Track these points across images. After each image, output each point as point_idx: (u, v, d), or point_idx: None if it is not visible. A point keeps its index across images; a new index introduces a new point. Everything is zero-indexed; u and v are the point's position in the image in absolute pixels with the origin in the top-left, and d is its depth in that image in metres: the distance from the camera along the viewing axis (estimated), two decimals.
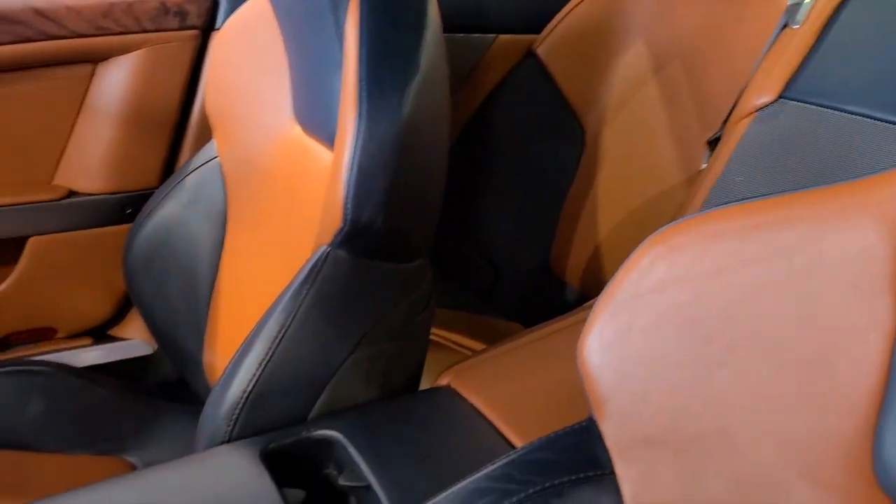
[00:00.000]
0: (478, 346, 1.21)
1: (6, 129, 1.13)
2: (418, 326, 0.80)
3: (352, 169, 0.71)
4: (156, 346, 1.27)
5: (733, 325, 0.45)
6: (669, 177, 1.04)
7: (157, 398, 1.17)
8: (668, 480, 0.45)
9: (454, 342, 1.14)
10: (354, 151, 0.70)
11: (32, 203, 1.15)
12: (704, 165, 0.89)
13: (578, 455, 0.50)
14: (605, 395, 0.49)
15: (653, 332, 0.47)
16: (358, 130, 0.70)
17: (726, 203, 0.48)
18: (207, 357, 1.04)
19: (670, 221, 0.50)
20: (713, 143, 0.89)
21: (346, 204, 0.71)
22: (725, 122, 0.87)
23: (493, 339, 1.13)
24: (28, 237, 1.15)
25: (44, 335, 1.25)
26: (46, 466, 1.03)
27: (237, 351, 0.76)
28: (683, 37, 1.03)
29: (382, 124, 0.71)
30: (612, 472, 0.48)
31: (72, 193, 1.17)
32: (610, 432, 0.48)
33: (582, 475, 0.48)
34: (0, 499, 0.94)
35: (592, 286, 1.11)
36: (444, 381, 0.78)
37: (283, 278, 0.79)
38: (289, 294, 0.74)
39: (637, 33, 1.10)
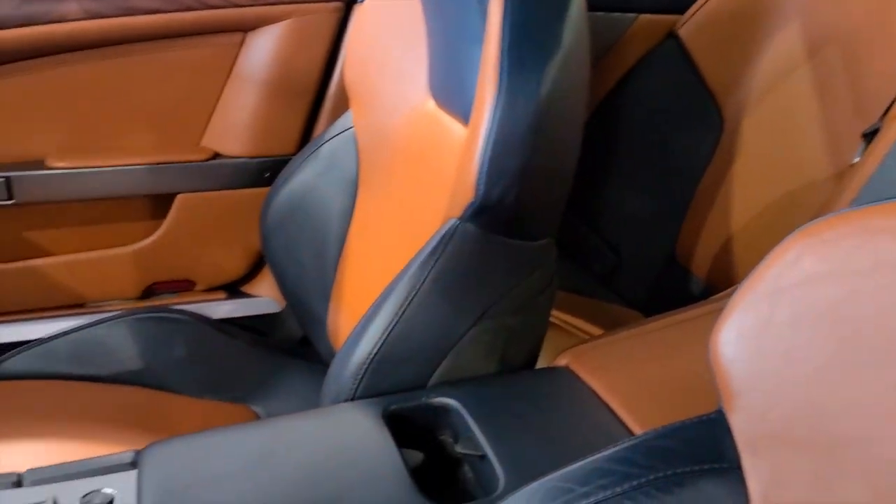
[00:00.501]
0: (595, 330, 1.20)
1: (161, 93, 1.21)
2: (540, 305, 0.80)
3: (487, 144, 0.71)
4: (283, 305, 1.33)
5: (887, 326, 0.42)
6: (815, 170, 0.98)
7: (283, 354, 1.23)
8: (801, 480, 0.44)
9: (571, 325, 1.14)
10: (491, 126, 0.71)
11: (181, 163, 1.23)
12: (857, 159, 0.83)
13: (704, 446, 0.49)
14: (738, 388, 0.47)
15: (794, 327, 0.45)
16: (496, 105, 0.71)
17: (885, 199, 0.45)
18: (332, 319, 1.08)
19: (814, 217, 0.48)
20: (869, 136, 0.83)
21: (478, 178, 0.71)
22: (886, 113, 0.81)
23: (611, 324, 1.12)
24: (176, 194, 1.24)
25: (184, 287, 1.34)
26: (180, 407, 1.11)
27: (364, 315, 0.79)
28: (843, 21, 0.97)
29: (521, 101, 0.71)
30: (739, 467, 0.46)
31: (216, 155, 1.25)
32: (740, 426, 0.47)
33: (707, 467, 0.47)
34: (138, 433, 1.02)
35: (720, 278, 1.07)
36: (562, 362, 0.78)
37: (410, 248, 0.81)
38: (416, 264, 0.76)
39: (791, 15, 1.04)
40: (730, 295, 0.51)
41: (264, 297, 1.35)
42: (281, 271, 1.16)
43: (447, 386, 0.74)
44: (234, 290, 1.36)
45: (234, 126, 1.24)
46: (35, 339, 1.18)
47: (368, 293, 0.85)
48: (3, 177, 1.14)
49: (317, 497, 0.62)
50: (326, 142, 1.11)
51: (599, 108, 1.19)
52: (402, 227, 0.91)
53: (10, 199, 1.16)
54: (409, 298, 0.75)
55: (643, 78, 1.21)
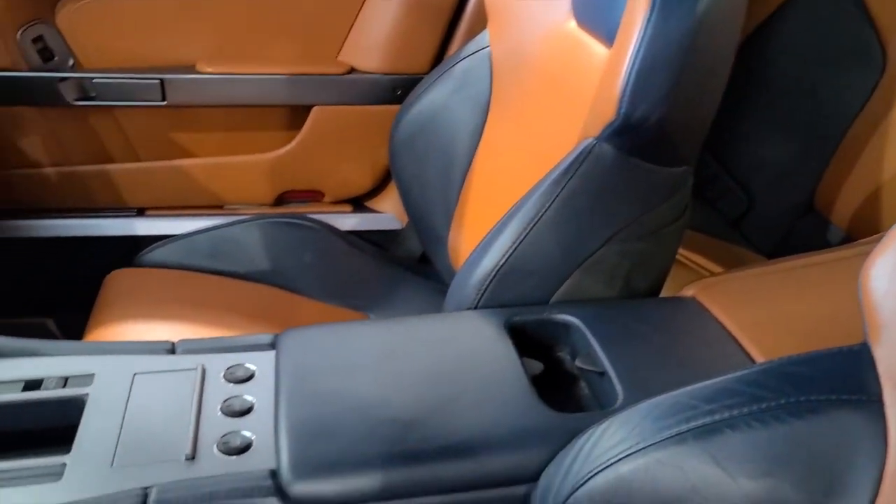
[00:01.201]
0: (720, 272, 1.17)
1: (305, 5, 1.24)
2: (670, 235, 0.79)
3: (634, 63, 0.70)
4: (405, 223, 1.37)
5: None
6: None
7: (402, 269, 1.28)
8: None
9: (696, 264, 1.11)
10: (639, 45, 0.69)
11: (320, 75, 1.27)
12: None
13: (842, 377, 0.47)
14: (885, 321, 0.46)
15: None
16: (647, 24, 0.69)
17: None
18: (453, 237, 1.10)
19: None
20: None
21: (621, 97, 0.70)
22: None
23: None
24: (312, 106, 1.29)
25: (313, 197, 1.40)
26: (304, 308, 1.17)
27: (492, 229, 0.80)
28: None
29: (673, 21, 0.69)
30: (879, 401, 0.45)
31: (352, 70, 1.28)
32: (885, 359, 0.45)
33: (844, 397, 0.46)
34: (267, 325, 1.09)
35: (863, 229, 1.01)
36: (688, 293, 0.77)
37: (540, 168, 0.81)
38: (548, 182, 0.77)
39: None
40: (876, 241, 0.49)
41: (387, 214, 1.40)
42: (406, 188, 1.19)
43: (568, 304, 0.75)
44: (359, 204, 1.41)
45: (371, 42, 1.26)
46: (178, 234, 1.27)
47: (493, 212, 0.87)
48: (157, 79, 1.22)
49: (439, 392, 0.65)
50: (460, 61, 1.11)
51: (748, 41, 1.12)
52: (534, 147, 0.91)
53: (163, 100, 1.23)
54: (539, 215, 0.75)
55: (799, 11, 1.14)
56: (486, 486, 0.59)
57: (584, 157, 0.74)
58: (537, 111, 0.93)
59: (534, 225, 0.75)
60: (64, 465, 0.59)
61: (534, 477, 0.58)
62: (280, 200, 1.39)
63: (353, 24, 1.26)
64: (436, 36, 1.26)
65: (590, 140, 0.75)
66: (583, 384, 0.72)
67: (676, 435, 0.48)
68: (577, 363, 0.71)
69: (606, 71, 0.76)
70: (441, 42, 1.27)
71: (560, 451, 0.57)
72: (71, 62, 1.21)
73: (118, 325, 1.01)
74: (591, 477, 0.50)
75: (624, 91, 0.70)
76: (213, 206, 1.36)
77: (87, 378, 0.68)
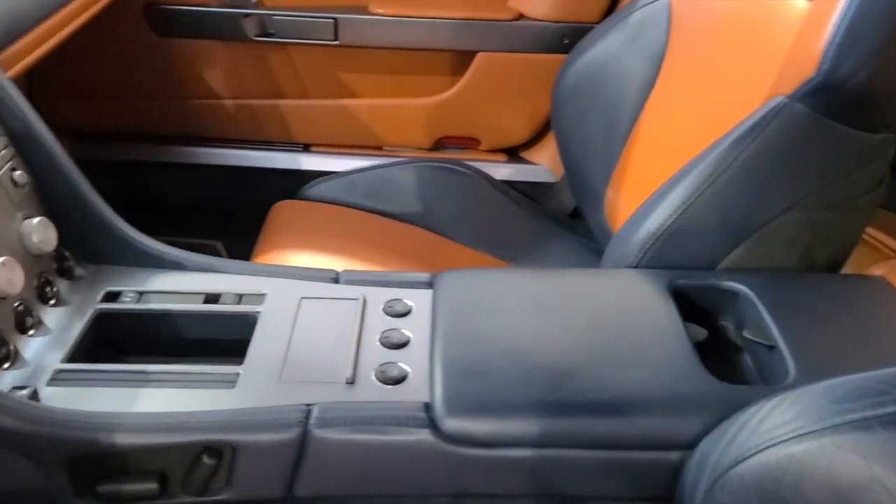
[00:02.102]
0: None
1: None
2: (860, 207, 0.72)
3: (843, 17, 0.63)
4: (559, 177, 1.35)
5: None
6: None
7: (553, 223, 1.26)
8: None
9: (884, 244, 1.02)
10: None
11: (488, 20, 1.25)
12: None
13: None
14: None
15: None
16: None
17: None
18: (611, 193, 1.07)
19: None
20: None
21: (825, 53, 0.64)
22: None
23: None
24: (477, 52, 1.28)
25: (469, 144, 1.40)
26: (453, 253, 1.19)
27: (661, 187, 0.77)
28: None
29: None
30: None
31: (521, 17, 1.26)
32: None
33: None
34: (418, 266, 1.11)
35: None
36: (877, 272, 0.70)
37: (717, 126, 0.76)
38: (729, 141, 0.72)
39: None
40: None
41: (542, 166, 1.38)
42: (565, 141, 1.16)
43: (738, 272, 0.71)
44: (514, 154, 1.40)
45: None
46: (339, 171, 1.31)
47: (659, 170, 0.83)
48: (332, 18, 1.25)
49: (595, 346, 0.64)
50: (637, 10, 1.06)
51: None
52: (712, 103, 0.86)
53: (335, 39, 1.27)
54: (716, 176, 0.71)
55: None
56: (638, 447, 0.57)
57: (772, 117, 0.69)
58: (719, 66, 0.87)
59: (709, 186, 0.71)
60: (237, 374, 0.64)
61: (689, 444, 0.56)
62: (437, 145, 1.40)
63: None
64: None
65: (781, 98, 0.69)
66: (747, 356, 0.68)
67: (861, 420, 0.45)
68: (745, 334, 0.67)
69: (807, 24, 0.69)
70: None
71: (721, 421, 0.55)
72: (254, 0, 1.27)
73: (282, 253, 1.07)
74: (759, 452, 0.48)
75: (829, 46, 0.64)
76: (373, 147, 1.40)
77: (260, 297, 0.73)
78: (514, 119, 1.35)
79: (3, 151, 0.70)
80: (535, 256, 1.20)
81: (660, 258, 0.73)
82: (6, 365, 0.63)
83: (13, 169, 0.71)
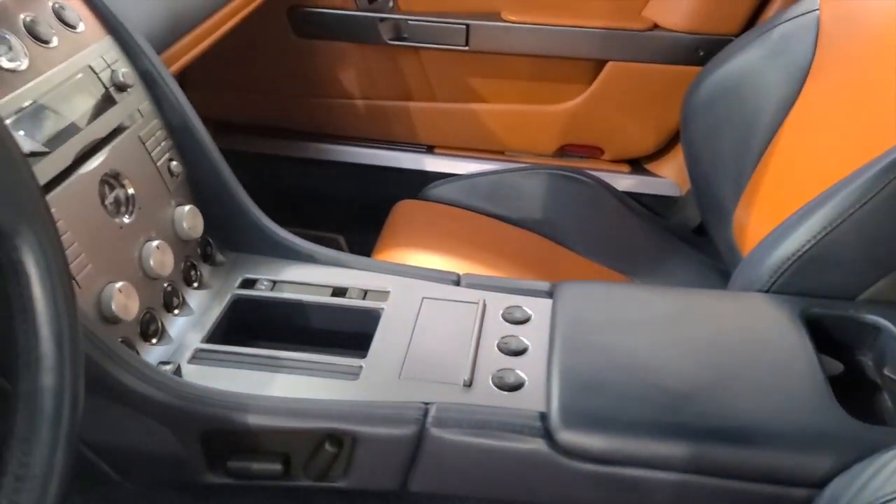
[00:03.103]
0: None
1: None
2: None
3: None
4: (684, 191, 1.31)
5: None
6: None
7: (676, 238, 1.23)
8: None
9: None
10: None
11: (620, 30, 1.24)
12: None
13: None
14: None
15: None
16: None
17: None
18: (740, 212, 1.03)
19: None
20: None
21: None
22: None
23: None
24: (608, 61, 1.26)
25: (592, 153, 1.39)
26: (569, 262, 1.18)
27: (799, 210, 0.74)
28: None
29: None
30: None
31: (655, 27, 1.23)
32: None
33: None
34: (534, 273, 1.11)
35: None
36: None
37: (867, 149, 0.72)
38: (880, 166, 0.68)
39: None
40: None
41: (667, 179, 1.34)
42: (694, 155, 1.13)
43: (882, 305, 0.67)
44: (638, 165, 1.38)
45: None
46: (460, 174, 1.34)
47: (797, 191, 0.79)
48: (464, 24, 1.27)
49: (720, 370, 0.62)
50: (781, 24, 1.02)
51: None
52: (862, 124, 0.81)
53: (466, 45, 1.29)
54: (862, 201, 0.67)
55: None
56: (761, 479, 0.55)
57: None
58: (872, 85, 0.83)
59: (854, 211, 0.67)
60: (360, 367, 0.66)
61: (819, 483, 0.53)
62: (559, 153, 1.40)
63: None
64: None
65: None
66: (885, 396, 0.64)
67: None
68: (886, 372, 0.63)
69: None
70: (757, 2, 1.17)
71: (854, 462, 0.52)
72: (391, 4, 1.31)
73: (403, 251, 1.10)
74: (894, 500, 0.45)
75: None
76: (495, 151, 1.41)
77: (384, 294, 0.76)
78: (641, 130, 1.33)
79: (163, 143, 0.76)
80: (655, 272, 1.17)
81: (794, 284, 0.70)
82: (154, 340, 0.68)
83: (170, 159, 0.77)
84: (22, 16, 0.65)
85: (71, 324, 0.42)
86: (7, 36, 0.63)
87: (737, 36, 1.12)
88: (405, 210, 1.23)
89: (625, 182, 1.34)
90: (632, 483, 0.58)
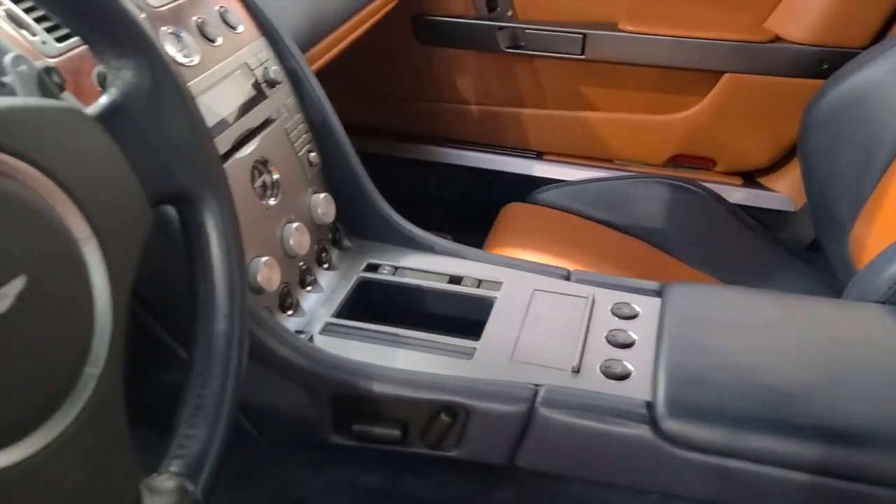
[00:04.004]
0: None
1: None
2: None
3: None
4: (799, 206, 1.29)
5: None
6: None
7: (788, 254, 1.21)
8: None
9: None
10: None
11: (740, 41, 1.24)
12: None
13: None
14: None
15: None
16: None
17: None
18: (859, 229, 1.02)
19: None
20: None
21: None
22: None
23: None
24: (725, 72, 1.27)
25: (704, 164, 1.39)
26: (677, 271, 1.18)
27: None
28: None
29: None
30: None
31: (776, 39, 1.22)
32: None
33: None
34: (639, 277, 1.12)
35: None
36: None
37: None
38: None
39: None
40: None
41: (781, 193, 1.33)
42: (812, 169, 1.12)
43: None
44: (751, 178, 1.37)
45: (805, 10, 1.19)
46: (569, 180, 1.36)
47: None
48: (581, 33, 1.31)
49: (828, 373, 0.63)
50: None
51: None
52: None
53: (581, 53, 1.32)
54: None
55: None
56: (869, 481, 0.56)
57: None
58: None
59: None
60: (475, 348, 0.71)
61: None
62: (669, 163, 1.40)
63: None
64: (883, 8, 1.14)
65: None
66: None
67: None
68: None
69: None
70: (889, 15, 1.15)
71: None
72: (509, 13, 1.36)
73: (512, 249, 1.14)
74: None
75: None
76: (605, 159, 1.43)
77: (497, 284, 0.80)
78: (756, 143, 1.32)
79: (304, 136, 0.84)
80: (765, 285, 1.16)
81: None
82: (290, 312, 0.75)
83: (309, 151, 0.84)
84: (194, 18, 0.74)
85: (241, 279, 0.49)
86: (182, 34, 0.72)
87: (864, 49, 1.10)
88: (514, 212, 1.27)
89: (737, 194, 1.33)
90: (733, 474, 0.59)
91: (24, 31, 0.58)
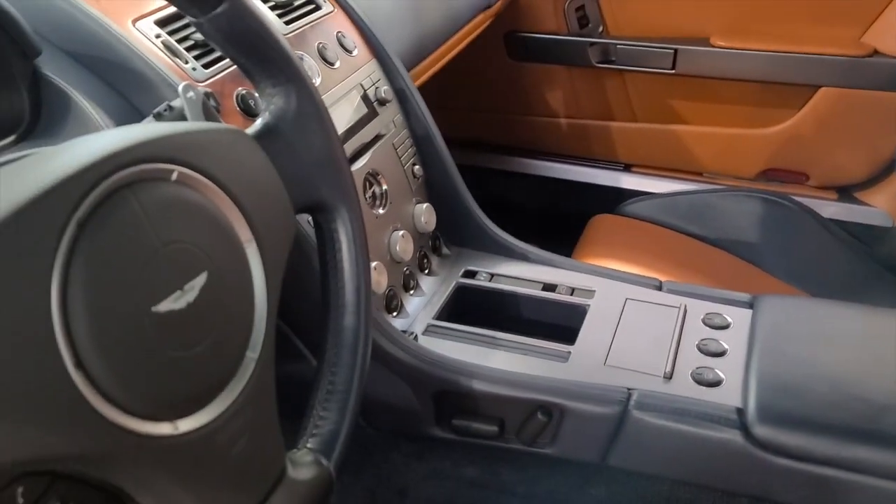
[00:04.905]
0: None
1: None
2: None
3: None
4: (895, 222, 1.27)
5: None
6: None
7: (883, 270, 1.20)
8: None
9: None
10: None
11: (836, 56, 1.23)
12: None
13: None
14: None
15: None
16: None
17: None
18: None
19: None
20: None
21: None
22: None
23: None
24: (820, 86, 1.26)
25: (796, 178, 1.38)
26: (765, 285, 1.19)
27: None
28: None
29: None
30: None
31: (874, 53, 1.21)
32: None
33: None
34: (729, 289, 1.13)
35: None
36: None
37: None
38: None
39: None
40: None
41: (878, 209, 1.31)
42: None
43: None
44: (846, 193, 1.35)
45: None
46: (658, 192, 1.38)
47: None
48: (672, 49, 1.33)
49: None
50: None
51: None
52: None
53: (672, 68, 1.34)
54: None
55: None
56: None
57: None
58: None
59: None
60: (569, 352, 0.75)
61: None
62: (760, 176, 1.40)
63: (889, 4, 1.19)
64: None
65: None
66: None
67: None
68: None
69: None
70: None
71: None
72: (600, 29, 1.39)
73: (601, 259, 1.17)
74: None
75: None
76: (693, 172, 1.44)
77: (590, 292, 0.84)
78: (851, 157, 1.31)
79: (409, 150, 0.90)
80: (857, 301, 1.15)
81: None
82: (395, 314, 0.81)
83: (414, 164, 0.90)
84: (316, 42, 0.81)
85: (367, 280, 0.55)
86: (304, 57, 0.79)
87: None
88: (602, 223, 1.30)
89: (830, 209, 1.32)
90: (825, 482, 0.61)
91: (177, 59, 0.66)
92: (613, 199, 1.39)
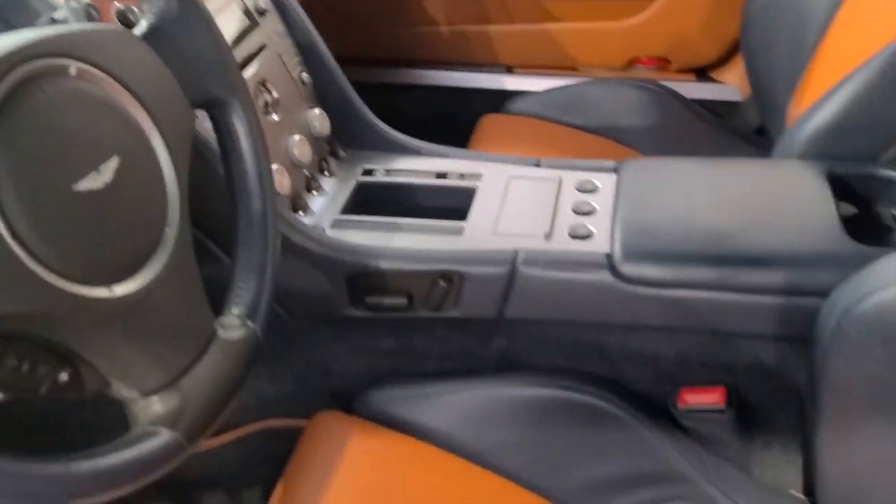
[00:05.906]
0: None
1: None
2: None
3: None
4: (746, 96, 1.41)
5: None
6: None
7: (739, 138, 1.34)
8: None
9: None
10: None
11: None
12: None
13: None
14: None
15: None
16: None
17: None
18: (792, 108, 1.14)
19: None
20: None
21: None
22: None
23: None
24: None
25: (659, 64, 1.50)
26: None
27: (833, 86, 0.86)
28: None
29: None
30: None
31: None
32: None
33: None
34: None
35: None
36: None
37: None
38: None
39: None
40: None
41: (729, 85, 1.45)
42: (752, 59, 1.23)
43: None
44: (703, 74, 1.48)
45: None
46: (535, 90, 1.47)
47: (841, 78, 0.90)
48: None
49: (752, 215, 0.77)
50: None
51: None
52: None
53: None
54: (886, 73, 0.79)
55: None
56: (779, 292, 0.70)
57: None
58: None
59: (877, 79, 0.79)
60: (462, 227, 0.84)
61: (825, 292, 0.66)
62: (629, 65, 1.52)
63: None
64: None
65: None
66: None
67: None
68: (893, 212, 0.76)
69: None
70: None
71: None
72: None
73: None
74: (881, 290, 0.59)
75: None
76: (569, 68, 1.54)
77: (477, 176, 0.93)
78: (705, 40, 1.43)
79: (295, 58, 0.95)
80: None
81: (823, 151, 0.83)
82: (301, 213, 0.87)
83: (301, 72, 0.95)
84: None
85: (268, 168, 0.61)
86: None
87: None
88: (490, 123, 1.39)
89: (692, 89, 1.45)
90: (681, 302, 0.73)
91: None
92: (499, 101, 1.46)
